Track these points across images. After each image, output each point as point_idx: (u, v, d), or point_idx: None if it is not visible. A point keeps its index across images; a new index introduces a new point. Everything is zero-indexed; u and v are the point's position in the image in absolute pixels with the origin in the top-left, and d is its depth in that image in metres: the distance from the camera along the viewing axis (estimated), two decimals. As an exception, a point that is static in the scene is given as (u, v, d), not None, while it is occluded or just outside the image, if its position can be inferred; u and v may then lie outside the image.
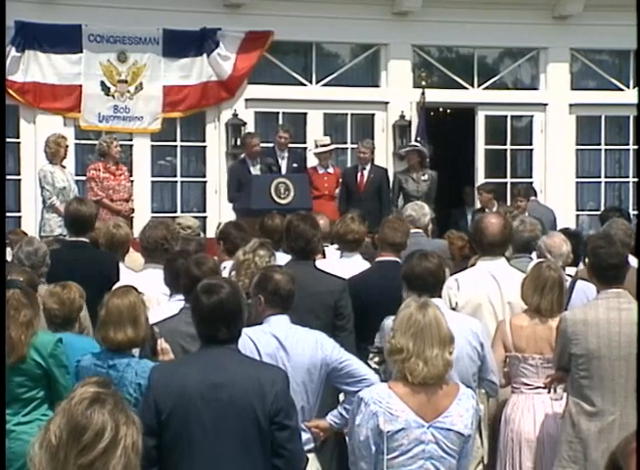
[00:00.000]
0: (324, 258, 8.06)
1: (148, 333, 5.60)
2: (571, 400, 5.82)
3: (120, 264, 7.74)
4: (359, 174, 13.84)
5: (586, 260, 6.27)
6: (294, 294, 5.45)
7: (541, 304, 6.21)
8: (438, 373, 4.57)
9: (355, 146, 14.70)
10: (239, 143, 14.32)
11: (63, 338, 5.93)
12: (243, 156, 13.66)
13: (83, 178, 12.66)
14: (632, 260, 7.51)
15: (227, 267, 7.07)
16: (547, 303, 6.21)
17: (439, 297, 5.87)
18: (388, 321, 5.42)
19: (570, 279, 7.22)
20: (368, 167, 13.88)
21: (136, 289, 5.77)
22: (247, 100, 14.61)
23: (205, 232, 11.85)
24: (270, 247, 6.78)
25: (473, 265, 7.19)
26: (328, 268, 7.17)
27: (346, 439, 5.19)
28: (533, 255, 7.72)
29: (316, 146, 13.91)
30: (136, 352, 5.70)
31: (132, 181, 13.24)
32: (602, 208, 15.25)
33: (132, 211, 12.39)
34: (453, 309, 6.40)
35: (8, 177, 12.59)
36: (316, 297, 6.55)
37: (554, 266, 6.42)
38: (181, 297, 6.10)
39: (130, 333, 5.52)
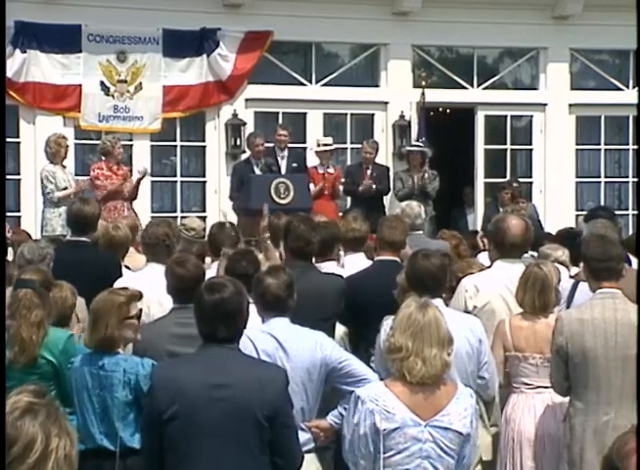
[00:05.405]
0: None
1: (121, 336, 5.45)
2: (569, 402, 5.82)
3: (120, 265, 7.74)
4: (362, 173, 13.88)
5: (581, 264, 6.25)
6: (283, 299, 5.39)
7: (524, 299, 6.19)
8: (436, 373, 4.58)
9: (355, 146, 14.70)
10: (239, 143, 14.34)
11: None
12: (247, 155, 13.67)
13: (83, 178, 12.67)
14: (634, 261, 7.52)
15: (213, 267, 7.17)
16: (529, 298, 6.16)
17: (440, 297, 5.84)
18: (388, 321, 5.41)
19: (570, 280, 7.23)
20: (370, 166, 13.92)
21: (126, 289, 5.67)
22: (247, 100, 14.61)
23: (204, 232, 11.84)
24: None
25: (489, 267, 7.00)
26: (329, 268, 7.17)
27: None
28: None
29: (318, 145, 13.91)
30: (129, 350, 5.62)
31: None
32: (602, 208, 15.29)
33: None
34: (468, 312, 6.33)
35: (8, 177, 12.60)
36: (316, 297, 6.54)
37: (543, 265, 6.39)
38: None
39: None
